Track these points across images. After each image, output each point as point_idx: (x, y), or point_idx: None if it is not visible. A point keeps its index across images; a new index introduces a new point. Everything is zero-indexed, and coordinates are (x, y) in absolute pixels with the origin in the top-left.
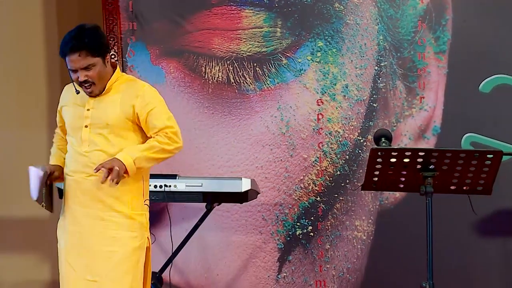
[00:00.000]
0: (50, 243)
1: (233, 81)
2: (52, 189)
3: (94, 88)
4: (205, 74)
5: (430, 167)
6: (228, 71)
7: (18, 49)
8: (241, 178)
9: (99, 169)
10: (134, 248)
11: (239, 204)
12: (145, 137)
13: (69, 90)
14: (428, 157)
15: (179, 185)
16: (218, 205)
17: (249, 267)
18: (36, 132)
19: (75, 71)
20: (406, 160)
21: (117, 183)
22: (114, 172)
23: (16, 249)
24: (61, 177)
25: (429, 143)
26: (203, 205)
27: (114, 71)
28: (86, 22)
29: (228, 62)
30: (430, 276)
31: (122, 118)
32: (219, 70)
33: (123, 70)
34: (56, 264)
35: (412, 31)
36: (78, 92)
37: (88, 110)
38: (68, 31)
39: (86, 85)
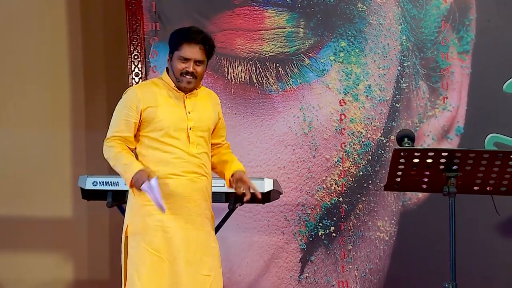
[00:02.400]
0: (73, 242)
1: (255, 81)
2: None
3: (193, 84)
4: (227, 75)
5: (453, 167)
6: (250, 71)
7: (42, 48)
8: (264, 178)
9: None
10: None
11: (261, 204)
12: None
13: (149, 92)
14: (451, 158)
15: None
16: (240, 205)
17: (271, 267)
18: (60, 132)
19: (187, 60)
20: (429, 160)
21: None
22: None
23: (39, 249)
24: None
25: (452, 143)
26: (225, 205)
27: None
28: (110, 22)
29: (250, 62)
30: (453, 277)
31: (214, 123)
32: (241, 70)
33: (146, 71)
34: (79, 263)
35: (436, 31)
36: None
37: (189, 112)
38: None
39: (190, 77)
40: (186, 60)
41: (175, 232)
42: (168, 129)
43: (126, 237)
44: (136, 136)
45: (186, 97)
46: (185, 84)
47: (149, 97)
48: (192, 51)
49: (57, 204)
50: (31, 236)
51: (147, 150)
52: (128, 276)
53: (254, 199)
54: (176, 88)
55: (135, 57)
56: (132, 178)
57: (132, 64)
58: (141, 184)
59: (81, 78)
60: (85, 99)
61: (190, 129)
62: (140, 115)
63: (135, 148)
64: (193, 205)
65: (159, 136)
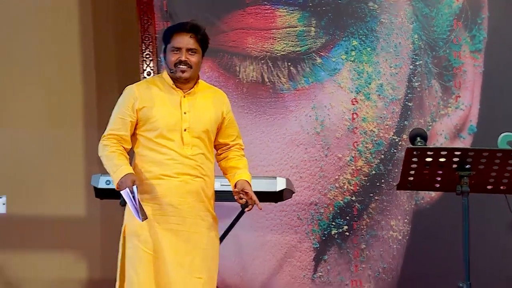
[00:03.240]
0: (86, 241)
1: (267, 80)
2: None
3: (188, 73)
4: (239, 74)
5: (466, 166)
6: (262, 70)
7: (54, 49)
8: (276, 177)
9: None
10: (218, 247)
11: (274, 203)
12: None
13: (147, 90)
14: (464, 157)
15: (214, 185)
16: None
17: (284, 266)
18: (71, 131)
19: (178, 50)
20: (442, 159)
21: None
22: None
23: (53, 248)
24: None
25: (465, 142)
26: (238, 204)
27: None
28: (121, 21)
29: (262, 61)
30: (467, 276)
31: (214, 123)
32: (253, 69)
33: (158, 70)
34: (93, 262)
35: (448, 29)
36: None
37: (185, 113)
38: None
39: (184, 66)
40: (178, 49)
41: (164, 233)
42: (162, 129)
43: (124, 237)
44: (134, 135)
45: (184, 96)
46: (180, 74)
47: (145, 96)
48: (183, 40)
49: (70, 203)
50: (45, 235)
51: (143, 150)
52: (127, 276)
53: (266, 198)
54: (174, 87)
55: (147, 56)
56: (119, 181)
57: (144, 63)
58: (124, 188)
59: (93, 77)
60: (98, 98)
61: (185, 130)
62: (137, 114)
63: (133, 147)
64: (186, 206)
65: (153, 137)
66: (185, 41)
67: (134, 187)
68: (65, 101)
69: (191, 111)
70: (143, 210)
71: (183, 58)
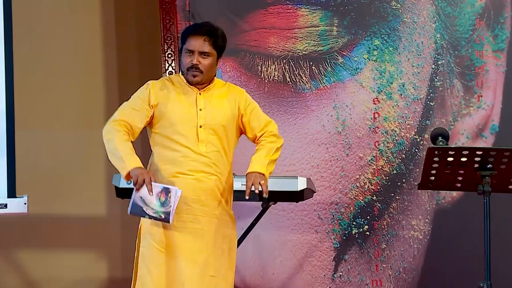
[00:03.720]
0: (107, 240)
1: (289, 80)
2: None
3: (199, 77)
4: (261, 73)
5: (488, 166)
6: (284, 70)
7: (76, 49)
8: (297, 177)
9: (257, 192)
10: (235, 245)
11: (295, 203)
12: (239, 136)
13: (163, 88)
14: (486, 156)
15: (235, 184)
16: (274, 204)
17: (304, 266)
18: (93, 131)
19: (191, 53)
20: (463, 159)
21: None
22: (265, 188)
23: (74, 247)
24: None
25: (487, 142)
26: (259, 203)
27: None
28: (144, 21)
29: (284, 61)
30: (488, 276)
31: (231, 119)
32: (275, 69)
33: (179, 70)
34: (113, 261)
35: (470, 29)
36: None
37: (200, 110)
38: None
39: (195, 71)
40: (191, 52)
41: (178, 231)
42: (176, 126)
43: (139, 236)
44: (150, 134)
45: (200, 93)
46: (191, 78)
47: (161, 93)
48: (196, 43)
49: (91, 202)
50: (66, 234)
51: (158, 148)
52: (139, 275)
53: (287, 197)
54: (189, 85)
55: (169, 56)
56: (130, 171)
57: (166, 63)
58: (140, 185)
59: (115, 77)
60: (119, 99)
61: (200, 127)
62: (153, 110)
63: (150, 146)
64: (199, 204)
65: (168, 133)
66: (199, 44)
67: (177, 189)
68: (87, 101)
69: (207, 108)
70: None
71: (194, 62)
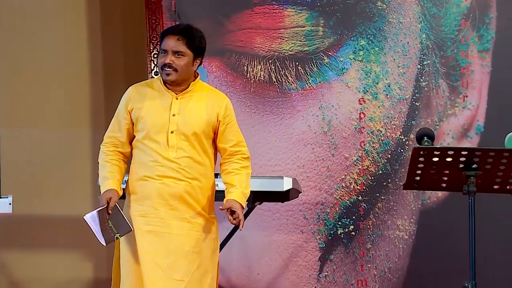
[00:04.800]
0: (93, 241)
1: (275, 80)
2: (118, 209)
3: (173, 76)
4: (247, 73)
5: (473, 166)
6: (270, 70)
7: (62, 48)
8: (283, 177)
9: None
10: (214, 249)
11: (280, 203)
12: (214, 144)
13: (140, 92)
14: (471, 156)
15: (220, 184)
16: (259, 204)
17: (290, 266)
18: (79, 131)
19: (165, 52)
20: (448, 159)
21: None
22: (242, 221)
23: (60, 247)
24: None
25: (472, 142)
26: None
27: (195, 79)
28: (129, 21)
29: (270, 61)
30: (473, 276)
31: (206, 126)
32: (261, 69)
33: None
34: (99, 262)
35: (456, 29)
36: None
37: (173, 115)
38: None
39: (168, 69)
40: (165, 52)
41: (145, 235)
42: (148, 131)
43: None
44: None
45: (177, 98)
46: (165, 77)
47: (138, 97)
48: (170, 42)
49: (77, 203)
50: (52, 235)
51: (134, 150)
52: (122, 279)
53: (273, 197)
54: (166, 89)
55: (155, 56)
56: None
57: (152, 63)
58: (100, 205)
59: (100, 77)
60: (105, 98)
61: (172, 132)
62: (130, 116)
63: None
64: (168, 208)
65: (141, 138)
66: (172, 43)
67: (94, 212)
68: (72, 100)
69: (181, 113)
70: (126, 222)
71: (167, 61)
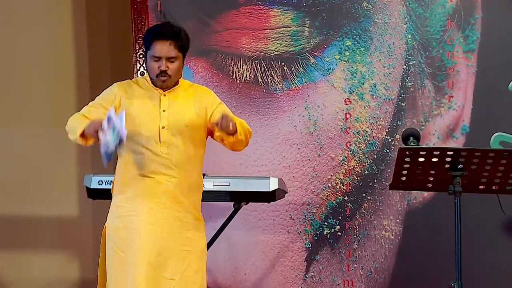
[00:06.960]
0: (79, 241)
1: (260, 80)
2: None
3: (169, 81)
4: (233, 74)
5: (459, 166)
6: (256, 70)
7: (47, 48)
8: (269, 177)
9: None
10: (203, 248)
11: (266, 203)
12: (206, 137)
13: (127, 88)
14: (456, 157)
15: (206, 184)
16: (245, 204)
17: (276, 266)
18: (64, 131)
19: (159, 59)
20: (434, 159)
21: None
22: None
23: (45, 248)
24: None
25: (457, 142)
26: (230, 204)
27: (181, 76)
28: (115, 21)
29: (256, 61)
30: (459, 276)
31: (197, 120)
32: (247, 69)
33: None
34: (85, 262)
35: (441, 30)
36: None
37: (163, 111)
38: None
39: (164, 77)
40: (158, 58)
41: (137, 234)
42: (138, 127)
43: (104, 237)
44: None
45: (164, 95)
46: (160, 83)
47: (125, 94)
48: (162, 48)
49: (62, 203)
50: (37, 235)
51: (121, 150)
52: (107, 280)
53: (259, 198)
54: (154, 86)
55: (140, 56)
56: (85, 127)
57: (138, 63)
58: (99, 125)
59: (86, 77)
60: (90, 98)
61: (163, 127)
62: (116, 104)
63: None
64: (161, 207)
65: (130, 135)
66: (165, 49)
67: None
68: (57, 100)
69: (170, 109)
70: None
71: (163, 68)
